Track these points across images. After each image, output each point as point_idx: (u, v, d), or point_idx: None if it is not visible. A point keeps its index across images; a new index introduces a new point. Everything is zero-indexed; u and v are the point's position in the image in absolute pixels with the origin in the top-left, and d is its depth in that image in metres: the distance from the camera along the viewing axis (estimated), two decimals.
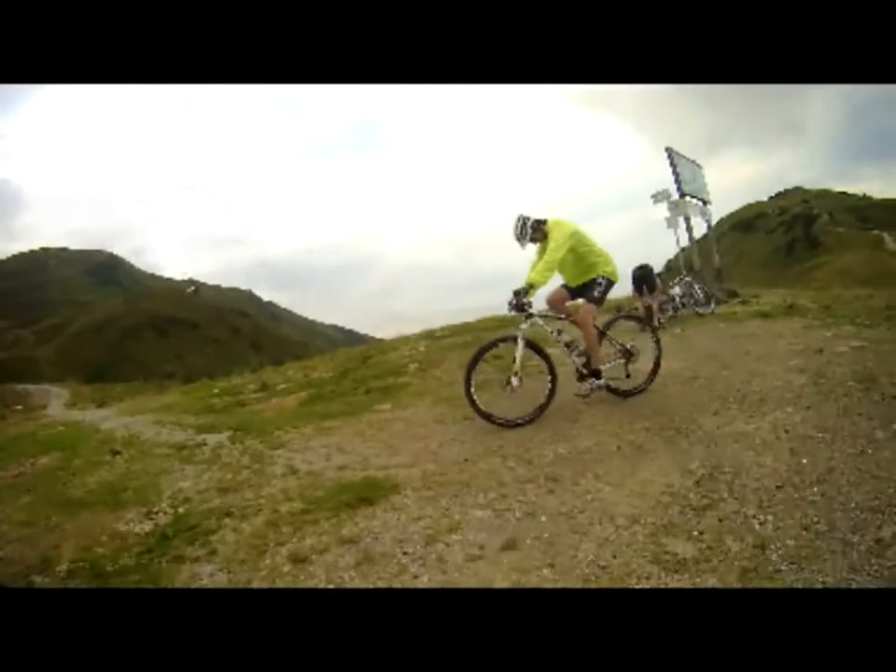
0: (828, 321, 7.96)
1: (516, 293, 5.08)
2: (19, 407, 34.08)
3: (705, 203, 14.14)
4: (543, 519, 3.36)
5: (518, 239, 5.40)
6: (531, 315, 5.23)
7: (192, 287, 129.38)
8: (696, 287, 10.71)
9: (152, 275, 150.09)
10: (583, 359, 5.38)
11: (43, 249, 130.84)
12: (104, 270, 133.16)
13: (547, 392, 5.20)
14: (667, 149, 12.63)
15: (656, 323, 9.57)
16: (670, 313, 10.23)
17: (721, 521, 3.02)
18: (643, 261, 10.30)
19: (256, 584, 2.98)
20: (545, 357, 5.28)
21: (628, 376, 5.42)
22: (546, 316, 5.43)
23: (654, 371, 5.55)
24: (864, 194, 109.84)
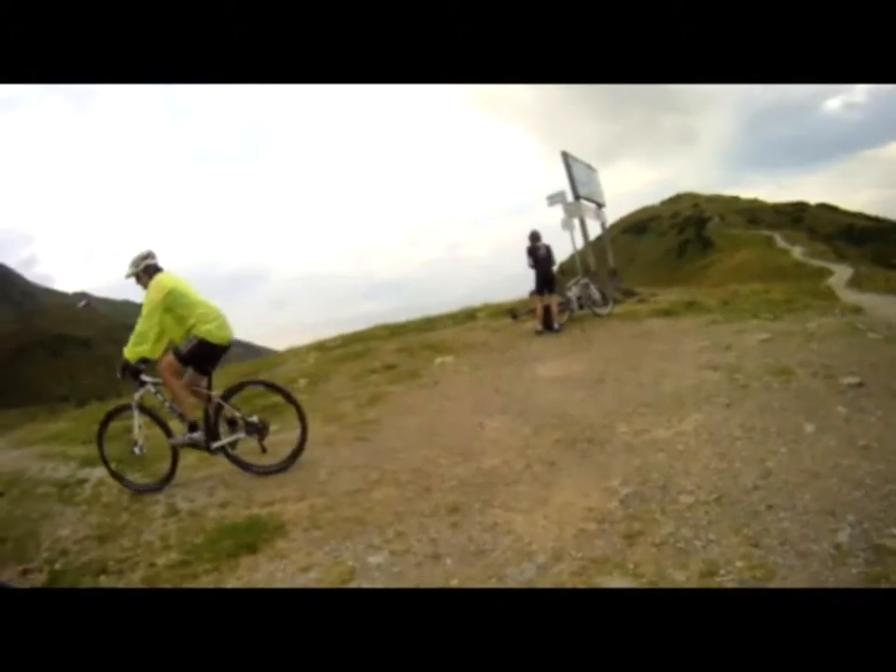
0: (731, 316, 8.18)
1: (117, 368, 4.97)
2: None
3: (599, 205, 14.45)
4: (449, 562, 2.96)
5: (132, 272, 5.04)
6: (144, 383, 5.08)
7: (84, 301, 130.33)
8: (593, 287, 10.80)
9: (44, 289, 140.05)
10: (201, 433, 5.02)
11: None
12: None
13: (169, 466, 5.06)
14: (563, 153, 12.80)
15: (556, 326, 9.44)
16: (568, 314, 10.23)
17: (657, 547, 2.71)
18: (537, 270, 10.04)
19: None
20: (162, 425, 5.11)
21: (264, 451, 5.00)
22: (158, 384, 5.10)
23: (300, 446, 4.98)
24: (755, 198, 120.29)
